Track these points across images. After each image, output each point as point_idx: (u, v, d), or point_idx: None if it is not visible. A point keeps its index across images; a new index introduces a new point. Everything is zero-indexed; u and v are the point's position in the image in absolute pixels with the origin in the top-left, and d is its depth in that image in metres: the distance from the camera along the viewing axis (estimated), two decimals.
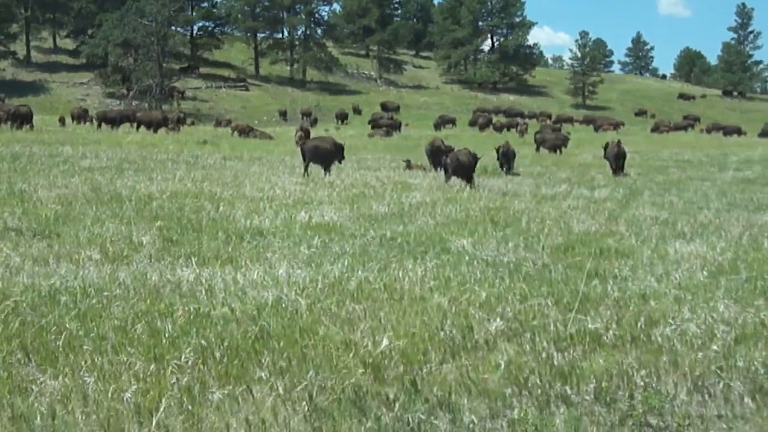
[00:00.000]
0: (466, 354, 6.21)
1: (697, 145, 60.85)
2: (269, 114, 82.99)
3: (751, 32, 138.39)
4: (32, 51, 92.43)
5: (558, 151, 42.71)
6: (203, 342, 5.89)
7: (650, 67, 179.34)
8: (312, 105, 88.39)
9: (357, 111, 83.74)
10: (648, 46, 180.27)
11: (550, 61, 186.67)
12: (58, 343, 5.74)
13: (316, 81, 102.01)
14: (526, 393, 5.51)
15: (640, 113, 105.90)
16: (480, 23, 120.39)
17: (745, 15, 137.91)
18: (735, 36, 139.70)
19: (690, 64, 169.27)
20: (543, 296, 8.03)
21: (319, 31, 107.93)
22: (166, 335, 6.01)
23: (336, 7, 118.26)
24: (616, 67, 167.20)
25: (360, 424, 4.86)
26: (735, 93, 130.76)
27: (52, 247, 9.66)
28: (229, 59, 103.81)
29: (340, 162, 25.91)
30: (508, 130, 68.91)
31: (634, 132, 79.45)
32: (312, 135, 45.12)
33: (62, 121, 46.98)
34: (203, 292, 7.53)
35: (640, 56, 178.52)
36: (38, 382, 5.03)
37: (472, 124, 76.91)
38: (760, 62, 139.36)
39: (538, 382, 5.66)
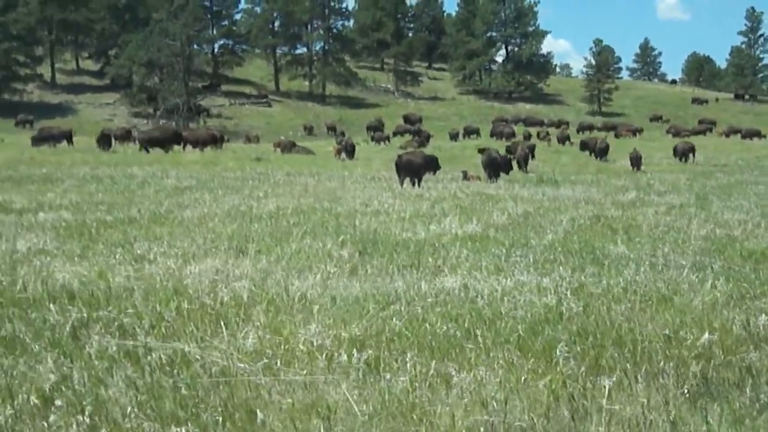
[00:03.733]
0: (763, 345, 6.96)
1: (723, 149, 61.67)
2: (294, 129, 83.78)
3: (761, 35, 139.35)
4: (56, 73, 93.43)
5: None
6: (566, 336, 6.69)
7: (658, 73, 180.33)
8: (335, 119, 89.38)
9: (380, 123, 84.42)
10: (655, 52, 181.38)
11: (557, 69, 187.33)
12: (443, 344, 6.53)
13: (335, 95, 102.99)
14: None
15: (656, 118, 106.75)
16: (494, 34, 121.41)
17: (754, 19, 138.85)
18: (745, 40, 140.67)
19: (699, 69, 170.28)
20: None
21: (337, 45, 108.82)
22: (515, 334, 6.79)
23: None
24: (624, 74, 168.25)
25: (726, 404, 5.63)
26: (747, 96, 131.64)
27: (278, 262, 10.37)
28: (247, 76, 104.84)
29: (434, 173, 27.45)
30: (536, 137, 69.79)
31: (656, 137, 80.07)
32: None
33: (109, 142, 47.62)
34: (480, 297, 8.27)
35: (648, 62, 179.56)
36: (451, 377, 5.80)
37: (494, 134, 77.47)
38: None
39: None
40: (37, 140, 49.69)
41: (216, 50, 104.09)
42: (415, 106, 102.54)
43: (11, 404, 4.99)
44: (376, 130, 77.51)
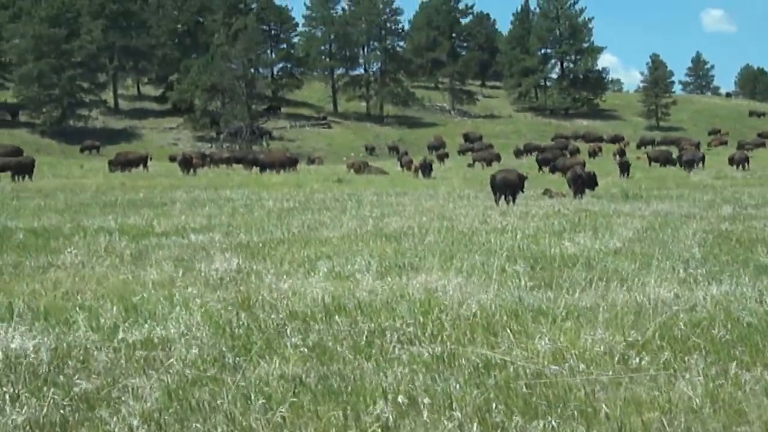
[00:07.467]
0: None
1: None
2: (355, 150, 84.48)
3: None
4: (118, 99, 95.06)
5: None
6: None
7: (711, 86, 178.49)
8: (395, 139, 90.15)
9: (441, 142, 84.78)
10: (708, 65, 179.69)
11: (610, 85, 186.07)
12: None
13: (392, 115, 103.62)
14: None
15: (714, 132, 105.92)
16: (548, 50, 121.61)
17: None
18: None
19: (753, 81, 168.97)
20: None
21: (393, 65, 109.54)
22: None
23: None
24: (677, 88, 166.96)
25: None
26: None
27: (470, 277, 10.83)
28: (305, 98, 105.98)
29: (522, 191, 27.73)
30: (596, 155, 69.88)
31: (719, 151, 79.78)
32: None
33: (189, 166, 48.50)
34: (699, 305, 8.74)
35: (700, 75, 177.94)
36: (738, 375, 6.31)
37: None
38: None
39: None
40: (115, 165, 50.45)
41: (275, 73, 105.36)
42: (472, 124, 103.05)
43: (386, 403, 5.52)
44: (437, 149, 77.93)
